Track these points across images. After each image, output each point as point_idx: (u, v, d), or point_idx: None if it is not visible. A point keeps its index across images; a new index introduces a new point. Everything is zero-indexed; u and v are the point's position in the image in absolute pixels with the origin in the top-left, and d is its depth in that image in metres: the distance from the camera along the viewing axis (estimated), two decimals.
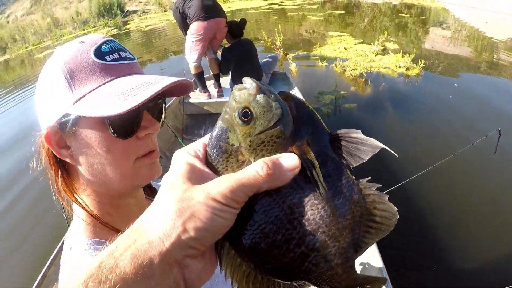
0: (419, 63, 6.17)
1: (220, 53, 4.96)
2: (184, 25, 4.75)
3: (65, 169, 0.82)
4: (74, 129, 0.75)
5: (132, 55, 0.85)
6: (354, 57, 7.02)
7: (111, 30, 19.86)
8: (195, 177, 0.43)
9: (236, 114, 0.44)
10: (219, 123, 0.47)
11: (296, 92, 4.37)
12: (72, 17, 25.10)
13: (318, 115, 0.45)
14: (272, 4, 15.38)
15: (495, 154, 2.87)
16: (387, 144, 0.42)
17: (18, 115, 9.14)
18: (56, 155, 0.78)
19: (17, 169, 5.20)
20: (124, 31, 18.47)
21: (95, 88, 0.74)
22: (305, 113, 0.46)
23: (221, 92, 5.12)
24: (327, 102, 5.37)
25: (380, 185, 0.44)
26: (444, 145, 3.98)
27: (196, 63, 4.87)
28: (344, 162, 0.45)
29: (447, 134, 4.30)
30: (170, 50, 11.08)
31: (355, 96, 5.49)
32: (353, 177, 0.45)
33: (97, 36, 0.81)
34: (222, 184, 0.40)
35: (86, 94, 0.74)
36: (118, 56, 0.80)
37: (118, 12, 23.39)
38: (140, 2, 24.86)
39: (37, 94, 0.81)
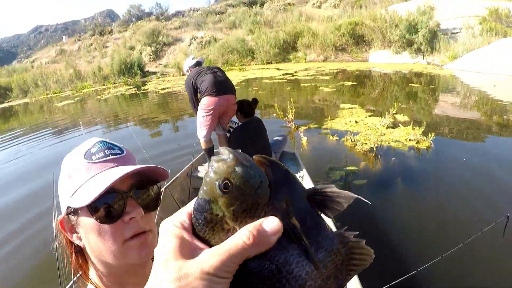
0: (429, 135, 6.12)
1: (230, 130, 4.99)
2: (195, 98, 4.79)
3: (78, 250, 0.96)
4: (76, 218, 0.89)
5: (120, 150, 0.99)
6: (364, 130, 7.03)
7: (130, 89, 20.45)
8: (186, 251, 0.45)
9: (217, 185, 0.46)
10: (201, 194, 0.48)
11: (304, 173, 4.34)
12: (94, 72, 26.04)
13: (293, 174, 0.47)
14: (286, 74, 15.78)
15: (503, 237, 2.81)
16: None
17: (28, 155, 10.04)
18: (70, 239, 0.92)
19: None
20: (142, 91, 18.98)
21: (84, 183, 0.88)
22: (281, 174, 0.47)
23: None
24: (337, 179, 5.32)
25: (357, 232, 0.47)
26: (452, 229, 3.88)
27: (205, 138, 4.85)
28: (322, 215, 0.48)
29: (455, 216, 4.17)
30: (185, 113, 11.24)
31: (365, 172, 5.44)
32: (332, 229, 0.48)
33: (94, 139, 0.98)
34: (214, 257, 0.42)
35: (78, 189, 0.88)
36: (103, 154, 0.93)
37: (138, 72, 24.21)
38: (160, 64, 25.68)
39: (58, 187, 0.96)
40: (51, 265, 2.59)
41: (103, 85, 24.86)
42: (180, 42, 27.32)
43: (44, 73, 29.51)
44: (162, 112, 13.27)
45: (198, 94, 4.74)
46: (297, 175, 4.20)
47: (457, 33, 15.79)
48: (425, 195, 4.74)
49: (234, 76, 17.41)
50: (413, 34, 15.66)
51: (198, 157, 5.33)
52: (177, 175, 4.68)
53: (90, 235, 0.87)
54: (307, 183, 4.13)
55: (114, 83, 24.35)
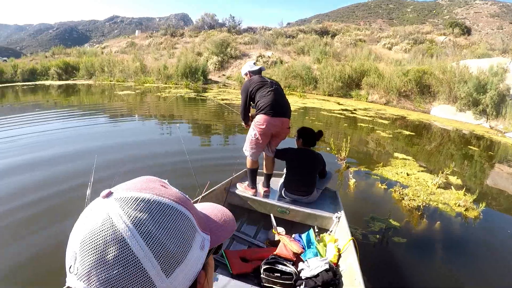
0: (480, 205, 5.98)
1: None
2: (248, 106, 4.76)
3: None
4: None
5: None
6: (415, 185, 6.95)
7: (190, 92, 21.02)
8: None
9: None
10: None
11: (342, 215, 4.27)
12: (159, 69, 26.95)
13: None
14: (346, 110, 15.77)
15: None
16: None
17: (77, 135, 10.63)
18: None
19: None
20: (201, 97, 19.33)
21: None
22: None
23: (267, 193, 5.01)
24: (376, 230, 5.27)
25: None
26: None
27: (253, 157, 4.79)
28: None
29: None
30: (239, 128, 11.51)
31: (407, 230, 5.35)
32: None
33: None
34: None
35: None
36: None
37: (201, 78, 24.76)
38: (223, 75, 26.19)
39: None
40: None
41: (165, 83, 25.66)
42: (247, 58, 27.79)
43: (112, 61, 30.94)
44: (216, 121, 13.61)
45: (252, 104, 4.71)
46: (334, 215, 4.25)
47: None
48: (466, 267, 4.62)
49: (294, 101, 17.56)
50: (481, 94, 15.24)
51: (239, 173, 5.32)
52: (215, 187, 4.67)
53: None
54: (343, 225, 4.10)
55: (176, 84, 25.04)
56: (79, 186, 5.96)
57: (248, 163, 4.85)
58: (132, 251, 0.59)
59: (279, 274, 3.46)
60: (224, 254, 3.87)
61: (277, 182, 5.11)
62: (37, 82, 30.33)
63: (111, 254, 0.58)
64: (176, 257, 0.63)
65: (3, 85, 29.29)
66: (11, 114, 14.76)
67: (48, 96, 22.34)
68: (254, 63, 4.98)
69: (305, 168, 4.71)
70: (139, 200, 0.64)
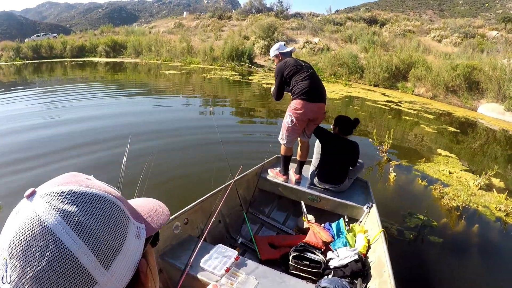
0: None
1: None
2: (281, 88, 4.72)
3: None
4: None
5: None
6: (456, 184, 6.92)
7: (235, 75, 21.39)
8: None
9: None
10: None
11: (373, 207, 4.25)
12: (206, 51, 27.49)
13: None
14: (391, 102, 15.61)
15: None
16: None
17: (120, 114, 11.26)
18: None
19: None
20: (245, 80, 19.57)
21: None
22: None
23: (299, 180, 4.98)
24: (412, 226, 5.30)
25: None
26: None
27: (287, 144, 4.77)
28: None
29: None
30: (281, 113, 11.47)
31: (444, 230, 5.35)
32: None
33: None
34: None
35: None
36: None
37: (247, 61, 24.87)
38: (269, 59, 26.23)
39: None
40: None
41: (211, 65, 26.00)
42: (294, 43, 27.66)
43: (159, 41, 31.68)
44: (259, 105, 13.84)
45: (289, 90, 4.66)
46: (365, 206, 4.30)
47: None
48: (500, 275, 4.59)
49: (339, 90, 17.57)
50: None
51: (271, 159, 5.34)
52: (247, 172, 4.71)
53: None
54: (374, 216, 4.09)
55: (222, 66, 25.32)
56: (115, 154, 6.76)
57: (283, 150, 4.85)
58: (65, 246, 0.56)
59: (307, 262, 3.51)
60: (253, 239, 3.96)
61: (308, 170, 5.10)
62: (85, 59, 31.39)
63: (43, 253, 0.55)
64: (113, 247, 0.61)
65: (52, 60, 30.28)
66: (59, 85, 15.48)
67: (95, 72, 23.04)
68: (284, 44, 4.87)
69: (339, 157, 4.68)
70: (66, 193, 0.61)
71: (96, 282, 0.57)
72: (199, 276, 2.91)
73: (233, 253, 3.21)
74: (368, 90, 18.59)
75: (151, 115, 11.14)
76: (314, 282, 3.17)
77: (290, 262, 3.57)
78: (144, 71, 23.79)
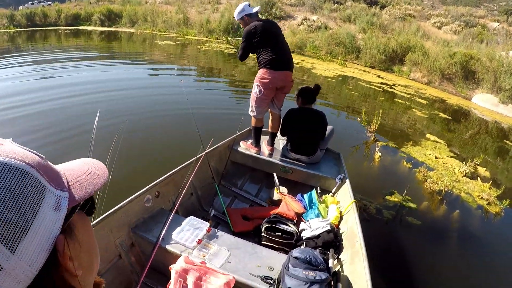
0: (504, 202, 5.80)
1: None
2: (247, 53, 4.61)
3: None
4: None
5: None
6: (441, 169, 6.81)
7: (230, 48, 21.20)
8: None
9: None
10: None
11: (344, 177, 4.30)
12: (202, 23, 26.97)
13: None
14: (385, 84, 15.40)
15: None
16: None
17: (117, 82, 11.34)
18: None
19: None
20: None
21: None
22: None
23: (271, 152, 4.95)
24: (391, 205, 5.26)
25: None
26: None
27: (257, 115, 4.75)
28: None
29: None
30: None
31: (423, 213, 5.28)
32: None
33: None
34: None
35: None
36: None
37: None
38: None
39: None
40: None
41: (207, 37, 25.73)
42: (291, 20, 27.29)
43: (155, 11, 31.28)
44: (246, 78, 13.78)
45: (256, 56, 4.57)
46: (337, 177, 4.31)
47: None
48: (476, 261, 4.53)
49: (333, 68, 17.33)
50: None
51: (243, 131, 5.29)
52: (218, 144, 4.68)
53: None
54: (346, 188, 4.13)
55: (217, 39, 25.03)
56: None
57: (253, 122, 4.83)
58: None
59: (280, 233, 3.51)
60: (226, 212, 3.93)
61: (281, 142, 5.09)
62: (79, 27, 31.17)
63: None
64: (19, 225, 0.49)
65: (46, 28, 29.99)
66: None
67: (90, 41, 22.86)
68: (249, 5, 4.62)
69: (308, 129, 4.63)
70: None
71: (1, 268, 0.46)
72: (171, 248, 2.92)
73: (205, 225, 3.22)
74: (364, 71, 18.35)
75: (121, 84, 11.08)
76: (286, 253, 3.13)
77: (262, 234, 3.55)
78: (139, 41, 23.59)
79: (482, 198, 5.98)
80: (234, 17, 4.72)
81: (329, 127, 4.86)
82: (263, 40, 4.41)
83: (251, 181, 5.03)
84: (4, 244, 0.47)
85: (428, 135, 8.90)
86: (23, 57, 15.97)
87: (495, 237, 5.18)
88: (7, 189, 0.50)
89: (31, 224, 0.51)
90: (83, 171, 0.67)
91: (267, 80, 4.43)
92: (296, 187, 4.60)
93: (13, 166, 0.52)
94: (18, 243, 0.49)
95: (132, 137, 6.62)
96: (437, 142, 8.46)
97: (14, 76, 11.19)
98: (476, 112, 13.61)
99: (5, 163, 0.52)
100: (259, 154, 4.86)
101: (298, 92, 4.75)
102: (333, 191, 4.34)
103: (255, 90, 4.59)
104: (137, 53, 18.68)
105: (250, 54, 4.65)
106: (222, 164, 4.79)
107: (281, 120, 4.81)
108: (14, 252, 0.48)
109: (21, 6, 42.94)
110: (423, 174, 6.42)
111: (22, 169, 0.53)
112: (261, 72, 4.47)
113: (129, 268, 3.07)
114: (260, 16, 4.73)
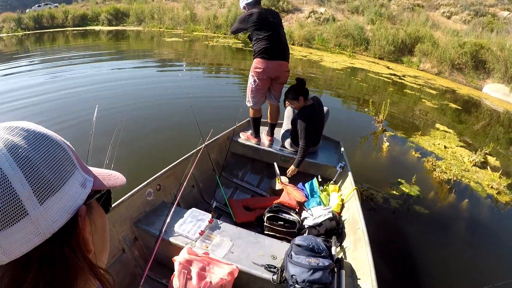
0: None
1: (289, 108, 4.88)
2: (240, 31, 4.65)
3: None
4: None
5: None
6: (450, 159, 6.73)
7: (238, 43, 21.40)
8: None
9: None
10: None
11: (345, 164, 4.29)
12: (209, 18, 27.00)
13: None
14: (394, 75, 15.25)
15: None
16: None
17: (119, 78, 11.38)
18: None
19: None
20: (249, 48, 19.36)
21: None
22: None
23: (271, 142, 4.95)
24: (398, 194, 5.22)
25: None
26: None
27: (254, 106, 4.73)
28: None
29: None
30: None
31: (432, 202, 5.22)
32: None
33: None
34: None
35: None
36: None
37: None
38: None
39: None
40: None
41: (214, 33, 25.82)
42: (299, 13, 27.14)
43: (162, 8, 31.41)
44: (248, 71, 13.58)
45: (252, 45, 4.52)
46: (338, 165, 4.30)
47: None
48: (485, 252, 4.44)
49: (342, 60, 17.23)
50: None
51: (242, 122, 5.29)
52: (218, 136, 4.69)
53: None
54: (347, 175, 4.12)
55: (225, 34, 25.07)
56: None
57: (251, 112, 4.84)
58: (0, 168, 0.53)
59: (282, 223, 3.52)
60: (227, 203, 3.95)
61: (281, 132, 5.06)
62: (87, 28, 31.49)
63: None
64: (51, 183, 0.58)
65: (54, 30, 30.25)
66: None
67: (98, 40, 23.02)
68: None
69: (322, 120, 4.63)
70: (14, 127, 0.60)
71: (27, 213, 0.55)
72: (174, 240, 2.93)
73: (207, 216, 3.23)
74: (373, 62, 18.20)
75: (121, 80, 11.18)
76: (289, 242, 3.12)
77: (265, 223, 3.55)
78: (147, 39, 23.75)
79: (492, 187, 5.87)
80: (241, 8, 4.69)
81: (325, 109, 4.81)
82: (258, 28, 4.36)
83: (252, 172, 5.04)
84: (35, 194, 0.55)
85: (437, 125, 8.78)
86: (31, 58, 16.23)
87: (505, 227, 5.09)
88: (49, 154, 0.60)
89: (61, 187, 0.60)
90: (105, 172, 0.77)
91: (260, 70, 4.41)
92: (297, 176, 4.57)
93: (54, 140, 0.63)
94: (47, 198, 0.57)
95: (131, 132, 6.66)
96: (446, 132, 8.35)
97: (25, 84, 11.28)
98: (487, 102, 13.43)
99: (49, 136, 0.63)
100: (259, 144, 4.87)
101: (292, 94, 4.36)
102: (334, 179, 4.34)
103: (250, 81, 4.59)
104: (144, 50, 18.75)
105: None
106: (223, 156, 4.81)
107: (302, 125, 4.26)
108: (42, 203, 0.56)
109: (28, 9, 43.36)
110: (432, 164, 6.35)
111: (61, 144, 0.64)
112: (255, 62, 4.46)
113: (132, 262, 3.09)
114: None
